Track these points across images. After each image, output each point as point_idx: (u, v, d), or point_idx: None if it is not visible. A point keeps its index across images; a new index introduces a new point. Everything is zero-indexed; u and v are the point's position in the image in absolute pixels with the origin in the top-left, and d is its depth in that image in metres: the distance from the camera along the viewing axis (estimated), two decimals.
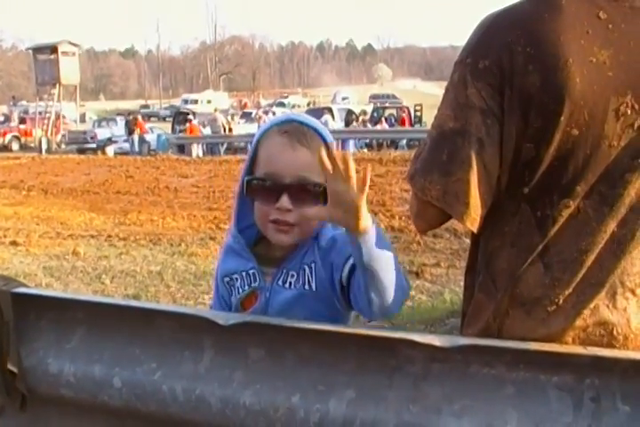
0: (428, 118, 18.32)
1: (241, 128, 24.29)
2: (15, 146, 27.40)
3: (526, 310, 1.22)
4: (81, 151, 23.30)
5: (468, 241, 1.40)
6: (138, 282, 6.11)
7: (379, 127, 22.32)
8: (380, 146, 19.83)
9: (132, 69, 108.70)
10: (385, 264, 1.17)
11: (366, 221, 1.13)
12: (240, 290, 1.43)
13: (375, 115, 25.07)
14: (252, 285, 1.41)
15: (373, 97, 48.87)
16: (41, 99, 29.25)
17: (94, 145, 24.14)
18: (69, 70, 28.18)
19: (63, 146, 26.04)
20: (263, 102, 51.15)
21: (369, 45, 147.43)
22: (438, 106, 1.26)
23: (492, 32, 1.20)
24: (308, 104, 49.62)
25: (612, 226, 1.18)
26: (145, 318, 1.38)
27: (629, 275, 1.20)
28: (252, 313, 1.40)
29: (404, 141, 20.04)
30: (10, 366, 1.42)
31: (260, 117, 25.18)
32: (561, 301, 1.20)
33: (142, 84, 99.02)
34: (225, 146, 21.28)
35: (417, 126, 22.81)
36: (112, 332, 1.39)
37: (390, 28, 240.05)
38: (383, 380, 1.18)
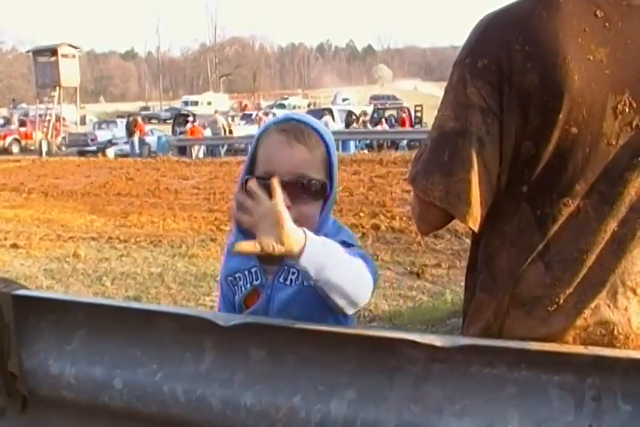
0: (429, 119, 18.35)
1: (241, 130, 24.30)
2: (15, 149, 27.40)
3: (527, 309, 1.22)
4: (81, 153, 23.31)
5: (468, 241, 1.40)
6: (138, 284, 6.11)
7: (379, 128, 22.31)
8: (380, 147, 19.82)
9: (133, 71, 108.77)
10: (339, 273, 1.17)
11: (294, 243, 1.12)
12: (243, 289, 1.43)
13: (375, 116, 25.06)
14: (255, 283, 1.41)
15: (374, 98, 48.86)
16: (41, 101, 29.28)
17: (95, 147, 24.13)
18: (69, 73, 28.19)
19: (63, 148, 26.07)
20: (263, 104, 51.20)
21: (369, 46, 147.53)
22: (438, 107, 1.26)
23: (490, 31, 1.20)
24: (309, 105, 49.60)
25: (612, 225, 1.18)
26: (146, 319, 1.38)
27: (630, 274, 1.20)
28: (254, 311, 1.41)
29: (405, 142, 20.03)
30: (11, 368, 1.42)
31: (260, 119, 25.18)
32: (561, 300, 1.20)
33: (142, 86, 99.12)
34: (225, 147, 21.29)
35: (417, 127, 22.81)
36: (113, 333, 1.39)
37: (390, 28, 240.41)
38: (384, 380, 1.18)
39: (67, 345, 1.43)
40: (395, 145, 20.07)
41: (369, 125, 23.07)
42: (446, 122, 1.21)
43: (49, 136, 26.84)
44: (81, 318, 1.44)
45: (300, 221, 1.33)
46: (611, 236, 1.19)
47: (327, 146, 1.36)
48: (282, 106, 45.68)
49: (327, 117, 22.00)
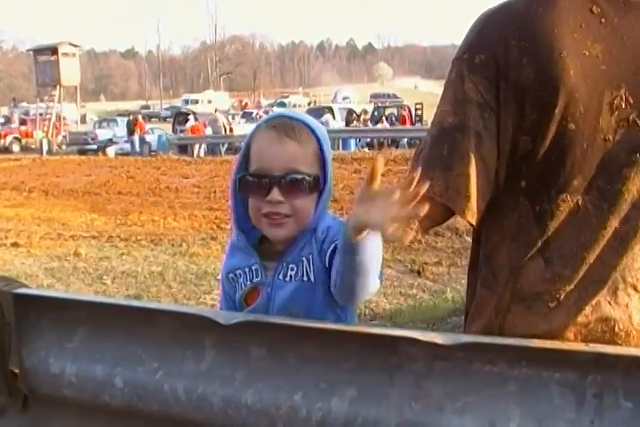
0: (429, 117, 18.31)
1: (242, 128, 24.25)
2: (16, 147, 27.39)
3: (527, 305, 1.22)
4: (82, 152, 23.28)
5: (469, 239, 1.41)
6: (139, 282, 6.12)
7: (379, 126, 22.30)
8: (380, 145, 19.80)
9: (133, 70, 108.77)
10: (371, 255, 1.17)
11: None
12: (243, 286, 1.43)
13: (376, 114, 25.06)
14: (255, 280, 1.42)
15: (374, 96, 48.89)
16: (42, 100, 29.28)
17: (95, 146, 24.11)
18: (70, 71, 28.18)
19: (64, 147, 26.04)
20: (264, 102, 51.24)
21: (369, 44, 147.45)
22: (438, 103, 1.26)
23: (487, 27, 1.21)
24: (309, 104, 49.53)
25: (612, 222, 1.18)
26: (146, 317, 1.38)
27: (631, 271, 1.20)
28: (254, 309, 1.41)
29: (405, 140, 20.04)
30: (11, 367, 1.42)
31: (260, 117, 25.18)
32: (562, 296, 1.20)
33: (143, 85, 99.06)
34: (226, 146, 21.28)
35: (418, 125, 22.73)
36: (113, 332, 1.39)
37: (391, 26, 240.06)
38: (385, 378, 1.18)
39: (67, 343, 1.43)
40: (395, 143, 20.05)
41: (369, 124, 23.08)
42: (445, 118, 1.22)
43: (49, 135, 26.83)
44: (81, 317, 1.44)
45: (294, 215, 1.34)
46: (612, 233, 1.19)
47: (319, 140, 1.37)
48: (282, 104, 45.71)
49: (328, 116, 22.01)
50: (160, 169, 15.54)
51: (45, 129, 27.20)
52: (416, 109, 25.65)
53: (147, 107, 60.56)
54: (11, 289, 1.45)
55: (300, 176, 1.33)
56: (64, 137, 27.04)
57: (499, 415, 1.10)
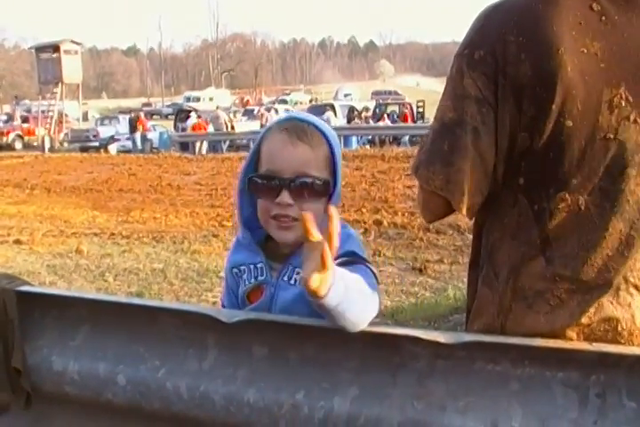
0: (431, 114, 18.22)
1: (243, 125, 24.26)
2: (18, 145, 27.38)
3: (528, 303, 1.22)
4: (84, 150, 23.29)
5: (471, 237, 1.40)
6: (141, 280, 6.11)
7: (381, 124, 22.26)
8: (382, 142, 19.78)
9: (135, 67, 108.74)
10: (350, 312, 1.10)
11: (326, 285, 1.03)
12: (247, 282, 1.43)
13: (377, 111, 25.03)
14: (259, 278, 1.41)
15: (376, 93, 48.81)
16: (43, 97, 29.21)
17: (97, 143, 24.10)
18: (72, 69, 28.14)
19: (66, 144, 26.04)
20: (265, 99, 51.18)
21: (371, 42, 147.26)
22: (440, 98, 1.27)
23: (487, 24, 1.21)
24: (311, 101, 49.47)
25: (615, 223, 1.18)
26: (148, 315, 1.38)
27: (633, 271, 1.20)
28: (257, 307, 1.40)
29: (407, 138, 19.97)
30: (15, 364, 1.42)
31: (262, 115, 25.16)
32: (563, 295, 1.20)
33: (144, 82, 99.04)
34: (227, 143, 21.27)
35: (419, 122, 22.73)
36: (115, 329, 1.40)
37: (392, 24, 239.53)
38: (387, 377, 1.18)
39: (70, 341, 1.43)
40: (397, 141, 20.01)
41: (371, 121, 23.03)
42: (445, 113, 1.23)
43: (51, 132, 26.81)
44: (84, 314, 1.44)
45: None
46: (614, 233, 1.18)
47: (330, 144, 1.36)
48: (284, 101, 45.63)
49: (329, 113, 21.97)
50: (162, 166, 15.54)
51: (47, 126, 27.18)
52: (418, 107, 25.62)
53: (148, 104, 60.61)
54: (14, 287, 1.45)
55: (310, 180, 1.32)
56: (66, 134, 27.03)
57: (501, 415, 1.10)
